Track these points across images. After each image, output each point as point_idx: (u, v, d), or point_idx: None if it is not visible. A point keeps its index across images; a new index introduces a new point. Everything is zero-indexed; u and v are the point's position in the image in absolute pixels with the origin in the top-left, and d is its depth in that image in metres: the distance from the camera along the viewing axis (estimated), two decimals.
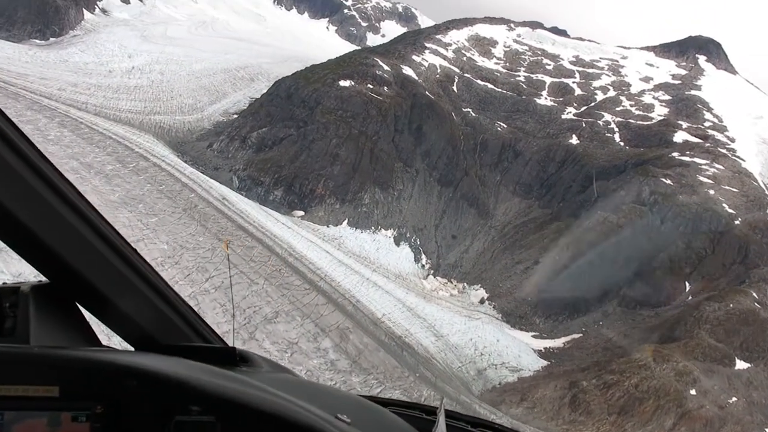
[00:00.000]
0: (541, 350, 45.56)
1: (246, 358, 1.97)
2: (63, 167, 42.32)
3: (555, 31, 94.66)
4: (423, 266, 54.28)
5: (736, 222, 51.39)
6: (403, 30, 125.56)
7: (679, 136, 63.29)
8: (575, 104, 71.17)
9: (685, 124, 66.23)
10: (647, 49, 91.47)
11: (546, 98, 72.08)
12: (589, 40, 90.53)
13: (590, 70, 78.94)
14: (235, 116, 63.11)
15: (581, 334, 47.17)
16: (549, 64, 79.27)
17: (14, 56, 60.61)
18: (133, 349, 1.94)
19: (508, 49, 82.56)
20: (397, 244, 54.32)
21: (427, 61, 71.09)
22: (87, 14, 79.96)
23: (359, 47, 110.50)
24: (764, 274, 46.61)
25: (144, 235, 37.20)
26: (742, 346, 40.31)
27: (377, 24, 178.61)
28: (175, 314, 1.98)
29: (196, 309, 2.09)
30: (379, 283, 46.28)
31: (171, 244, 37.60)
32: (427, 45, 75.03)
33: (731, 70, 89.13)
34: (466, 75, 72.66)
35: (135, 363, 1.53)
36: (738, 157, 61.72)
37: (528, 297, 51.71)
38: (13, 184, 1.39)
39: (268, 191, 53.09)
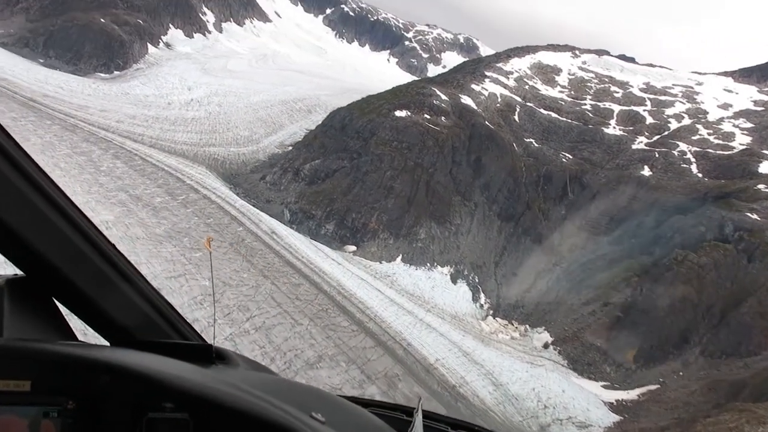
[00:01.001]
0: (612, 403, 41.19)
1: (223, 356, 1.91)
2: (111, 199, 41.94)
3: (623, 58, 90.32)
4: (481, 306, 50.92)
5: None
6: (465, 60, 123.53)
7: (765, 167, 57.95)
8: (647, 133, 66.76)
9: None
10: (725, 74, 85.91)
11: (614, 127, 67.99)
12: (661, 66, 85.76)
13: (663, 98, 74.31)
14: (290, 148, 62.06)
15: (658, 386, 42.54)
16: (617, 92, 75.17)
17: (77, 89, 61.75)
18: (108, 344, 1.90)
19: (573, 76, 78.99)
20: (454, 282, 51.25)
21: (487, 90, 68.49)
22: (151, 48, 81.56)
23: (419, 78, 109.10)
24: None
25: (186, 270, 35.75)
26: None
27: (438, 55, 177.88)
28: (153, 311, 1.97)
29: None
30: (433, 325, 43.29)
31: (213, 280, 35.95)
32: (487, 73, 72.50)
33: None
34: (528, 104, 69.58)
35: (108, 358, 1.51)
36: None
37: (597, 342, 47.44)
38: None
39: (320, 225, 51.27)
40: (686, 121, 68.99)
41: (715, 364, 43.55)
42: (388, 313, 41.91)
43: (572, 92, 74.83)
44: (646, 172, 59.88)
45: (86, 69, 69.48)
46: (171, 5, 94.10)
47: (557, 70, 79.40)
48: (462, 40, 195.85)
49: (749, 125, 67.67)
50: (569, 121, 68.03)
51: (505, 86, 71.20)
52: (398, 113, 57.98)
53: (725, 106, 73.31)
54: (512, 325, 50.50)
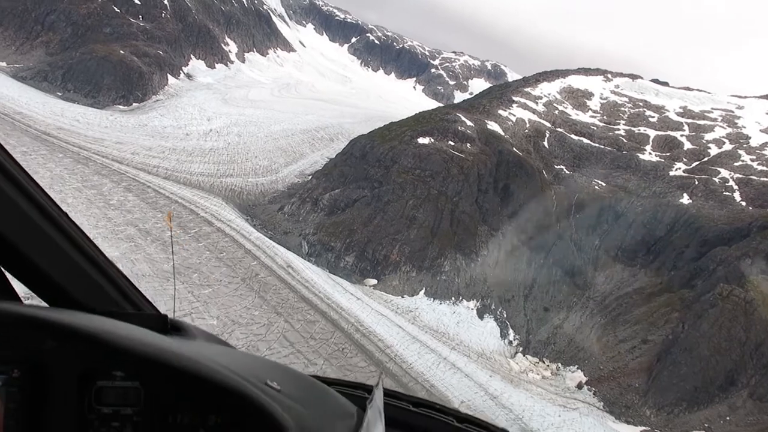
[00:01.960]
0: None
1: (178, 327, 1.85)
2: (118, 234, 40.20)
3: (656, 83, 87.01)
4: (510, 343, 47.72)
5: None
6: None
7: None
8: (685, 159, 63.35)
9: None
10: (767, 97, 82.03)
11: (650, 153, 64.75)
12: (698, 90, 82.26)
13: (701, 122, 70.83)
14: (310, 177, 60.16)
15: None
16: (653, 116, 71.95)
17: (94, 121, 60.90)
18: None
19: (605, 101, 76.05)
20: (481, 317, 48.24)
21: (514, 115, 65.97)
22: (171, 79, 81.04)
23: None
24: None
25: (193, 308, 33.62)
26: None
27: (465, 82, 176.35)
28: (104, 279, 1.89)
29: None
30: (458, 364, 40.29)
31: (222, 319, 33.73)
32: (515, 98, 70.05)
33: None
34: (558, 129, 66.82)
35: (54, 319, 1.38)
36: None
37: (636, 383, 43.91)
38: None
39: (339, 257, 48.92)
40: (727, 146, 65.39)
41: (764, 408, 39.79)
42: (409, 351, 39.13)
43: (605, 117, 71.86)
44: (686, 200, 56.48)
45: (105, 101, 68.87)
46: (193, 36, 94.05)
47: (589, 95, 76.58)
48: (489, 67, 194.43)
49: None
50: (602, 146, 65.05)
51: (534, 111, 68.61)
52: (421, 140, 55.77)
53: None
54: (543, 363, 47.19)
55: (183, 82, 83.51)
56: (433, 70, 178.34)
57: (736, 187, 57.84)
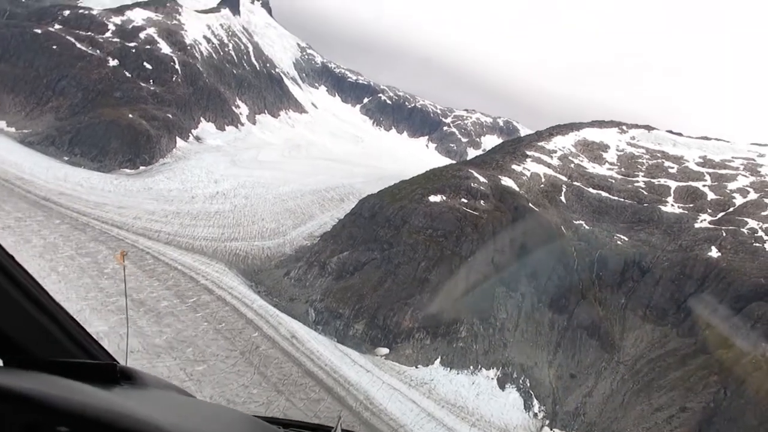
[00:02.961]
0: None
1: (129, 375, 1.82)
2: (109, 306, 37.66)
3: (670, 133, 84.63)
4: (535, 415, 43.91)
5: None
6: None
7: None
8: (710, 210, 60.27)
9: None
10: None
11: (673, 205, 61.80)
12: (716, 139, 79.75)
13: (722, 171, 68.02)
14: (318, 240, 57.85)
15: None
16: (672, 167, 69.31)
17: (98, 186, 59.66)
18: (1, 363, 1.75)
19: (621, 152, 73.70)
20: (502, 387, 44.67)
21: (529, 170, 63.69)
22: (180, 142, 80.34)
23: None
24: None
25: (184, 387, 30.68)
26: None
27: (478, 139, 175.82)
28: (55, 326, 1.83)
29: None
30: None
31: (215, 399, 30.75)
32: (529, 153, 67.94)
33: None
34: (575, 183, 64.29)
35: None
36: None
37: None
38: None
39: (348, 325, 46.01)
40: (752, 195, 62.33)
41: None
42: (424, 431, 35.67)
43: (623, 169, 69.35)
44: (714, 253, 53.15)
45: (111, 165, 67.93)
46: (203, 99, 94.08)
47: (604, 147, 74.34)
48: (501, 123, 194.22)
49: None
50: (622, 199, 62.28)
51: (549, 165, 66.33)
52: (432, 198, 53.49)
53: None
54: None
55: (192, 145, 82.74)
56: (445, 128, 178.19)
57: (766, 237, 54.55)
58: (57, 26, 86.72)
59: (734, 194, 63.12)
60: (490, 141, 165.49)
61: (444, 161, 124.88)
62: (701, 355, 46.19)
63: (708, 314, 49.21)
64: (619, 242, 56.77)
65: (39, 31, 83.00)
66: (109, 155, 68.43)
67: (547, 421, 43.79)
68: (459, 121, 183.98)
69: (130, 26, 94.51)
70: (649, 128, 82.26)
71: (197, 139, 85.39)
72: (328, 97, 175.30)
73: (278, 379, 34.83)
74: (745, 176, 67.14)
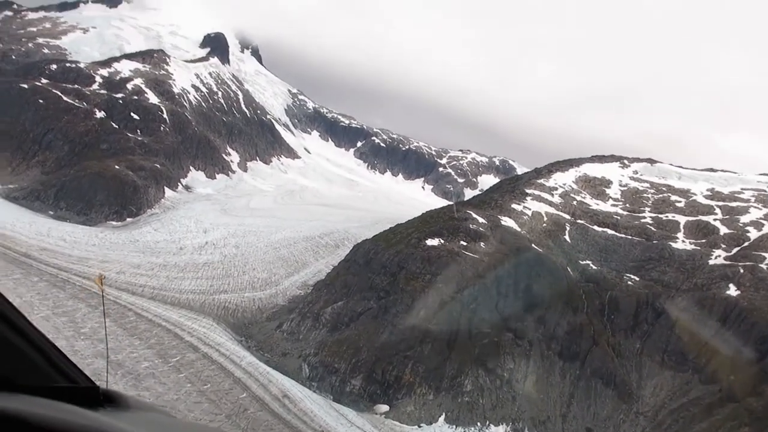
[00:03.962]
0: None
1: (112, 398, 1.79)
2: (84, 369, 34.42)
3: (675, 167, 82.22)
4: None
5: None
6: None
7: None
8: (723, 246, 57.24)
9: None
10: None
11: (683, 241, 58.79)
12: (723, 170, 77.27)
13: (733, 204, 65.20)
14: (311, 289, 54.61)
15: None
16: (679, 201, 66.53)
17: (82, 240, 56.72)
18: None
19: (625, 188, 71.05)
20: None
21: (530, 208, 60.91)
22: (168, 192, 77.84)
23: None
24: None
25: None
26: None
27: (474, 179, 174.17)
28: (35, 351, 1.77)
29: None
30: None
31: None
32: (528, 191, 65.27)
33: None
34: (579, 221, 61.41)
35: None
36: None
37: None
38: None
39: (344, 381, 42.48)
40: (767, 228, 59.40)
41: None
42: None
43: (628, 205, 66.54)
44: (733, 291, 49.93)
45: (97, 218, 65.31)
46: (192, 147, 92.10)
47: (607, 182, 71.76)
48: (498, 162, 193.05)
49: None
50: (629, 237, 59.30)
51: (550, 203, 63.57)
52: (429, 242, 50.51)
53: None
54: None
55: (181, 194, 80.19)
56: (441, 169, 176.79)
57: None
58: (44, 80, 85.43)
59: (748, 227, 60.18)
60: (487, 180, 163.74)
61: (441, 202, 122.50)
62: (728, 404, 42.51)
63: (731, 358, 45.71)
64: (629, 282, 53.54)
65: (26, 85, 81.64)
66: (95, 208, 66.00)
67: None
68: (454, 162, 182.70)
69: (118, 77, 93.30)
70: (651, 161, 79.91)
71: (186, 188, 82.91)
72: (321, 141, 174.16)
73: None
74: (758, 208, 64.29)
